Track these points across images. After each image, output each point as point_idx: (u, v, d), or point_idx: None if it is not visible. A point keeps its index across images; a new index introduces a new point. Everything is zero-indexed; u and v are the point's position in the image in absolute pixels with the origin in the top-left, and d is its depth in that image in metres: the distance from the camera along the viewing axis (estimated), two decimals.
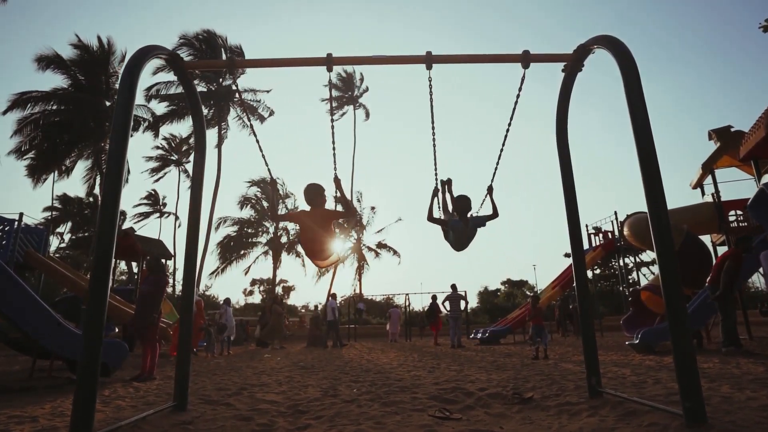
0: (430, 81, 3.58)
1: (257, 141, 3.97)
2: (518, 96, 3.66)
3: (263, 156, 4.03)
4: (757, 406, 2.84)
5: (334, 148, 3.89)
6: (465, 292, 14.25)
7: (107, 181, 2.51)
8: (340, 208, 4.24)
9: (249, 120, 4.10)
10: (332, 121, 4.04)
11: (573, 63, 3.47)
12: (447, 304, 13.65)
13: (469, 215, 4.29)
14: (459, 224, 4.27)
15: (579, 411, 3.03)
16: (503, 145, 4.06)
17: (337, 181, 3.96)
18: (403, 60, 3.46)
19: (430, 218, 4.41)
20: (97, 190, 27.19)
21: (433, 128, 3.96)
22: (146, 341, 6.03)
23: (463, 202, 4.28)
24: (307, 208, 4.09)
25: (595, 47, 3.15)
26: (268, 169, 4.25)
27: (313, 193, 4.06)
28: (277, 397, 4.09)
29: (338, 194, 3.98)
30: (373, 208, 34.78)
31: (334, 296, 16.89)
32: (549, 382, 4.51)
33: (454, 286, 13.79)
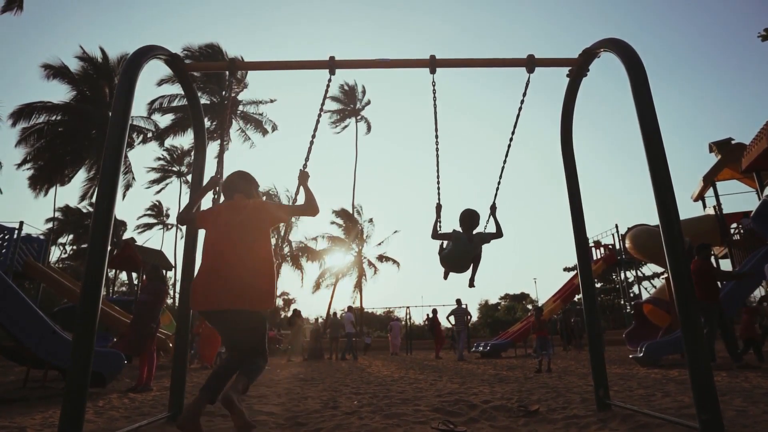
0: (434, 85, 3.52)
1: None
2: (522, 102, 3.60)
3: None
4: None
5: (313, 138, 3.39)
6: (466, 305, 14.18)
7: (102, 181, 2.44)
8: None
9: (221, 138, 3.90)
10: (320, 114, 3.44)
11: (578, 68, 3.42)
12: (452, 318, 13.63)
13: (474, 232, 4.03)
14: (463, 237, 3.98)
15: (588, 424, 2.92)
16: (504, 162, 3.94)
17: (303, 176, 3.12)
18: (407, 63, 3.42)
19: (435, 235, 4.04)
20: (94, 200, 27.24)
21: (436, 136, 3.80)
22: (143, 352, 5.90)
23: (468, 216, 4.01)
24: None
25: (602, 51, 3.10)
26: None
27: (239, 179, 2.90)
28: (275, 409, 3.98)
29: (298, 191, 3.16)
30: (370, 220, 34.70)
31: (350, 308, 17.01)
32: (554, 394, 4.40)
33: (458, 301, 13.79)
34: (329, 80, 3.36)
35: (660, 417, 2.77)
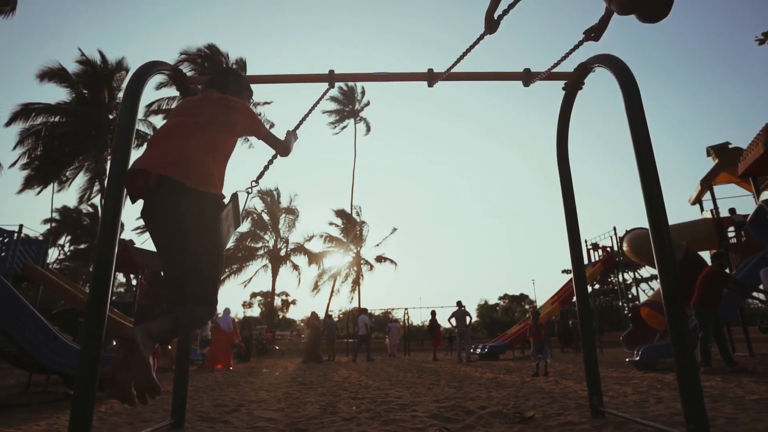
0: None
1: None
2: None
3: None
4: (763, 429, 2.81)
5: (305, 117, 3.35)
6: (465, 307, 14.22)
7: (108, 196, 2.50)
8: None
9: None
10: (317, 108, 3.45)
11: (573, 81, 3.49)
12: (453, 320, 13.65)
13: None
14: None
15: (581, 431, 2.99)
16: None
17: (290, 134, 2.97)
18: (405, 77, 3.48)
19: None
20: (95, 201, 27.39)
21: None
22: None
23: None
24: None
25: (596, 66, 3.17)
26: None
27: (220, 74, 2.58)
28: (275, 414, 4.04)
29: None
30: (363, 222, 34.85)
31: (365, 311, 17.04)
32: (550, 400, 4.46)
33: (459, 303, 13.79)
34: (327, 90, 3.41)
35: (651, 425, 2.84)
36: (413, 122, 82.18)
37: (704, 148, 14.00)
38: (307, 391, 5.90)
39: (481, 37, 3.07)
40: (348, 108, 37.15)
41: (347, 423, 3.57)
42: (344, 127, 37.63)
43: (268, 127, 2.59)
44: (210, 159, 2.17)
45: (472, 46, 3.13)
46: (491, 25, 2.97)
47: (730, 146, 13.11)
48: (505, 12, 2.91)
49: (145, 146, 2.24)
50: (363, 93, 37.16)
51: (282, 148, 2.73)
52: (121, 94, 26.31)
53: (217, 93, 2.41)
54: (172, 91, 26.50)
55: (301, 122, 3.29)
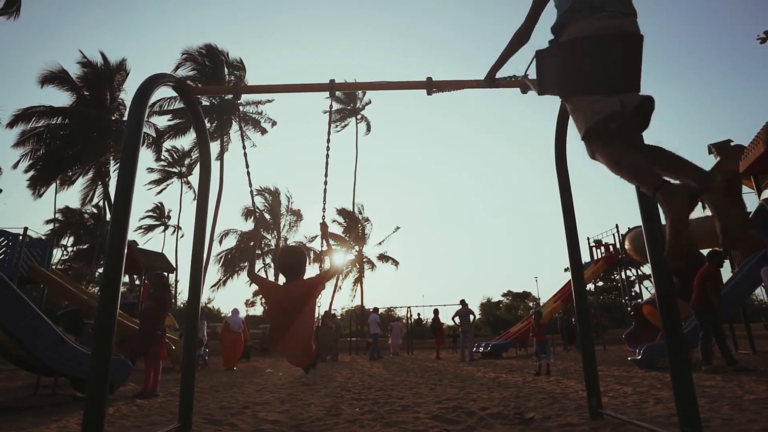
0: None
1: (248, 174, 3.75)
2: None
3: (251, 191, 3.76)
4: (758, 429, 2.86)
5: (325, 186, 3.38)
6: (468, 305, 14.26)
7: (116, 209, 2.56)
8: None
9: (243, 144, 3.96)
10: (327, 153, 3.43)
11: None
12: (457, 319, 13.70)
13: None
14: None
15: None
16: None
17: (323, 229, 3.27)
18: (404, 86, 3.52)
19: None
20: (96, 202, 27.59)
21: None
22: (149, 358, 6.04)
23: None
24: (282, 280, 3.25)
25: None
26: (255, 210, 3.96)
27: (289, 264, 3.14)
28: (279, 417, 4.11)
29: (323, 245, 3.27)
30: (366, 219, 34.92)
31: (376, 310, 17.12)
32: (550, 401, 4.52)
33: (462, 302, 13.84)
34: (330, 106, 3.47)
35: (647, 427, 2.89)
36: (415, 121, 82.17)
37: (705, 145, 13.98)
38: (310, 393, 5.97)
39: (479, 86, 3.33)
40: (349, 107, 37.17)
41: (350, 425, 3.63)
42: (345, 125, 37.67)
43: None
44: (312, 333, 3.14)
45: (470, 86, 3.39)
46: (491, 82, 3.13)
47: (732, 144, 13.09)
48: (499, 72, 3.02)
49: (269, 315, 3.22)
50: (364, 92, 37.14)
51: (339, 270, 3.22)
52: (122, 95, 26.51)
53: (300, 282, 3.10)
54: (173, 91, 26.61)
55: (324, 205, 3.39)
